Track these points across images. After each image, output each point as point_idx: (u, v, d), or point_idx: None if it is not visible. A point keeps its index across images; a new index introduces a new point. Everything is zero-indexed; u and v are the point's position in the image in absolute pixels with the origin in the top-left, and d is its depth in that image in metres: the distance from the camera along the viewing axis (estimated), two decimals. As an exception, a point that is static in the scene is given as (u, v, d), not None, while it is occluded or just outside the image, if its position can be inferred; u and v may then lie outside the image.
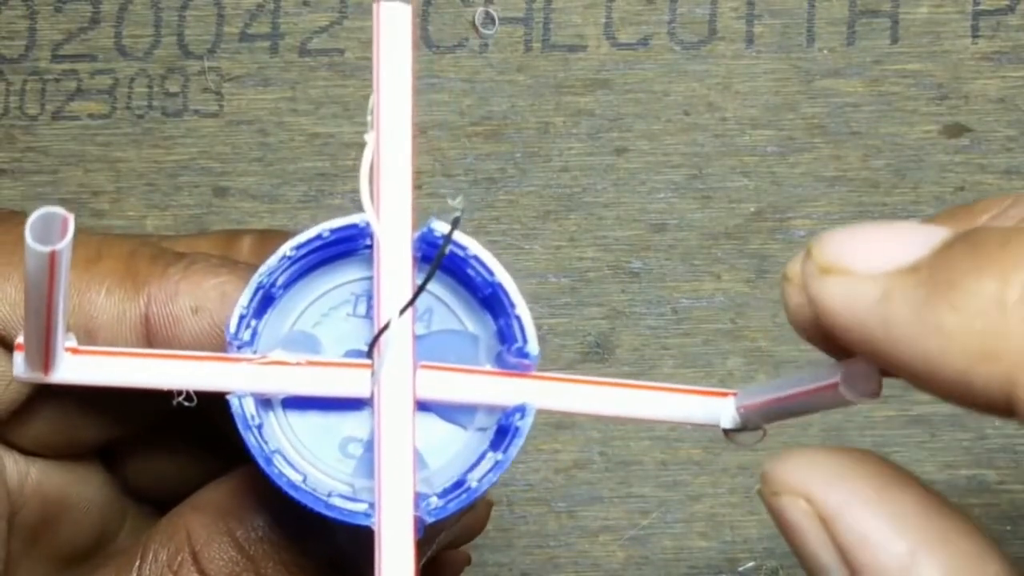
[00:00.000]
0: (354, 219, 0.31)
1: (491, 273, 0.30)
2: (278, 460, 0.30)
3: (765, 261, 0.49)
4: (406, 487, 0.29)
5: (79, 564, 0.37)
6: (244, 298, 0.31)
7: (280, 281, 0.31)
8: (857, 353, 0.27)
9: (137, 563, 0.34)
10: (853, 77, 0.49)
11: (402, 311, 0.29)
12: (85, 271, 0.34)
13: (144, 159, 0.50)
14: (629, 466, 0.48)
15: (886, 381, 0.46)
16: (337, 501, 0.30)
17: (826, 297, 0.26)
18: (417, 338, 0.31)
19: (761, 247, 0.49)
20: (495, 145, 0.49)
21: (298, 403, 0.31)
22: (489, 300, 0.31)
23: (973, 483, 0.48)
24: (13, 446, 0.37)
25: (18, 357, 0.30)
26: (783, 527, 0.27)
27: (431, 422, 0.31)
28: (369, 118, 0.30)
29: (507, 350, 0.30)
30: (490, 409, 0.31)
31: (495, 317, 0.31)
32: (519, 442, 0.30)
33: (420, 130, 0.49)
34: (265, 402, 0.31)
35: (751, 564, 0.48)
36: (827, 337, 0.27)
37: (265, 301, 0.31)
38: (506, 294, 0.30)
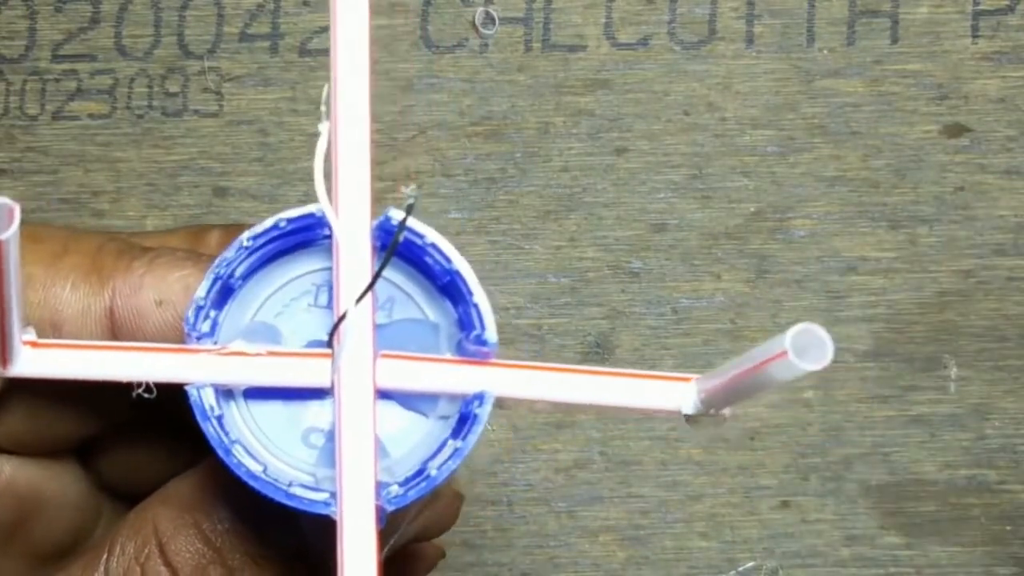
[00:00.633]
0: (311, 208, 0.31)
1: (448, 260, 0.30)
2: (238, 450, 0.30)
3: (765, 261, 0.49)
4: (367, 476, 0.29)
5: (55, 562, 0.37)
6: (202, 289, 0.31)
7: (239, 272, 0.31)
8: None
9: (104, 556, 0.34)
10: (853, 77, 0.49)
11: (359, 300, 0.29)
12: (51, 266, 0.34)
13: (144, 159, 0.50)
14: (629, 466, 0.48)
15: (888, 382, 0.46)
16: (298, 491, 0.30)
17: None
18: (378, 327, 0.31)
19: (761, 247, 0.49)
20: (495, 145, 0.49)
21: (260, 394, 0.31)
22: (448, 288, 0.31)
23: (973, 483, 0.48)
24: None
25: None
26: None
27: (392, 411, 0.31)
28: (323, 108, 0.30)
29: (466, 338, 0.30)
30: (451, 397, 0.31)
31: (455, 305, 0.31)
32: (478, 429, 0.30)
33: (420, 130, 0.50)
34: (226, 393, 0.31)
35: (751, 564, 0.48)
36: None
37: (224, 292, 0.31)
38: (464, 281, 0.30)
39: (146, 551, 0.33)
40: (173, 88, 0.50)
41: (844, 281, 0.49)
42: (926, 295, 0.49)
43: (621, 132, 0.49)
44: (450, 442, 0.30)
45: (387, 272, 0.31)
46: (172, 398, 0.34)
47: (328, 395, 0.31)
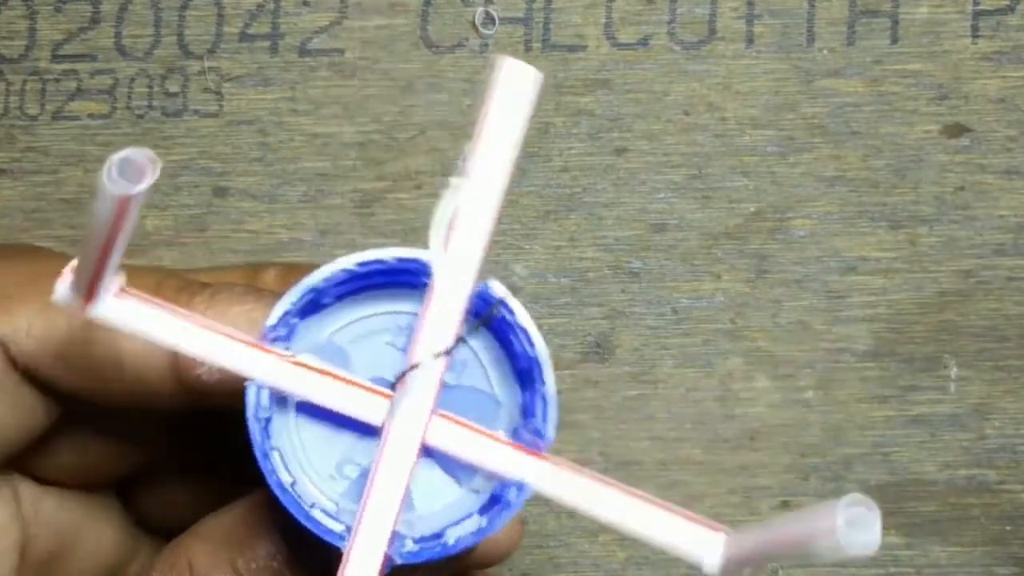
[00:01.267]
0: (421, 255, 0.31)
1: (532, 347, 0.31)
2: (275, 457, 0.30)
3: (765, 261, 0.49)
4: (387, 522, 0.29)
5: None
6: (294, 295, 0.31)
7: (332, 291, 0.31)
8: None
9: None
10: (853, 77, 0.49)
11: (437, 355, 0.29)
12: None
13: (144, 159, 0.50)
14: (629, 466, 0.48)
15: (888, 382, 0.46)
16: (317, 514, 0.30)
17: None
18: (444, 386, 0.31)
19: (761, 247, 0.49)
20: (495, 145, 0.49)
21: (312, 411, 0.31)
22: (522, 372, 0.31)
23: (973, 483, 0.48)
24: (29, 475, 0.37)
25: (63, 284, 0.30)
26: None
27: (430, 468, 0.31)
28: (461, 162, 0.30)
29: (524, 425, 0.31)
30: (490, 475, 0.31)
31: (523, 389, 0.31)
32: (507, 515, 0.30)
33: (420, 130, 0.50)
34: (281, 399, 0.31)
35: (751, 564, 0.48)
36: None
37: (311, 306, 0.31)
38: (540, 371, 0.31)
39: None
40: (173, 88, 0.50)
41: (844, 281, 0.49)
42: (926, 295, 0.49)
43: (621, 132, 0.49)
44: (476, 517, 0.30)
45: (469, 337, 0.31)
46: (214, 433, 0.34)
47: (376, 434, 0.31)
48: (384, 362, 0.32)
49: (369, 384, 0.31)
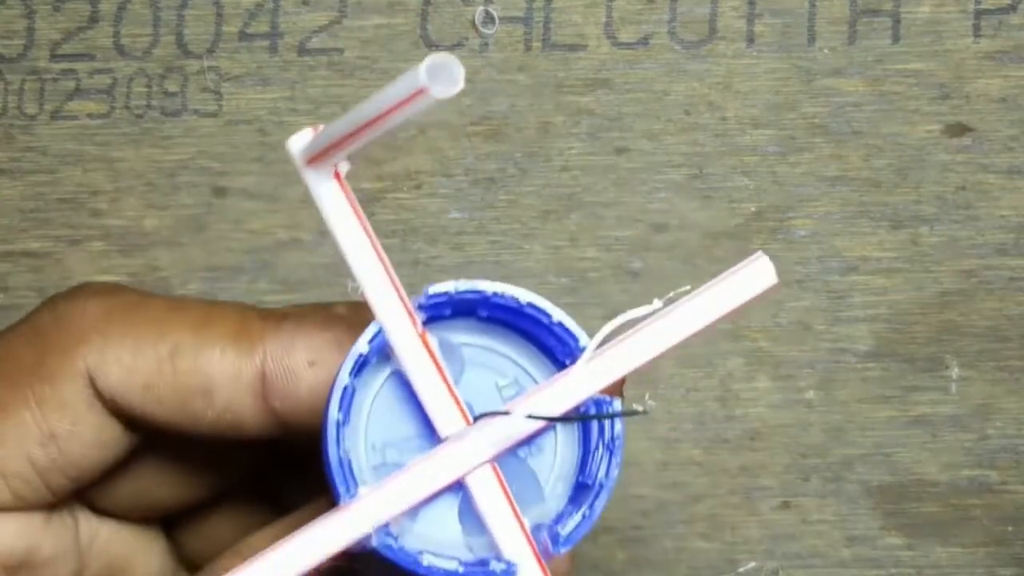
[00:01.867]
0: (567, 321, 0.32)
1: (608, 474, 0.31)
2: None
3: (766, 261, 0.49)
4: (390, 505, 0.31)
5: None
6: (437, 290, 0.31)
7: (456, 306, 0.32)
8: None
9: None
10: (854, 76, 0.49)
11: (530, 417, 0.30)
12: (198, 332, 0.35)
13: (143, 159, 0.50)
14: (629, 466, 0.48)
15: (889, 382, 0.46)
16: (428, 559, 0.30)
17: None
18: (513, 452, 0.32)
19: (762, 247, 0.49)
20: (495, 145, 0.49)
21: (391, 394, 0.32)
22: (581, 487, 0.32)
23: (975, 484, 0.48)
24: (87, 505, 0.38)
25: (303, 136, 0.30)
26: None
27: (450, 504, 0.32)
28: (668, 299, 0.31)
29: (549, 528, 0.31)
30: (493, 546, 0.31)
31: (571, 503, 0.32)
32: None
33: (420, 130, 0.49)
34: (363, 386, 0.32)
35: (751, 564, 0.48)
36: None
37: (436, 309, 0.32)
38: (598, 498, 0.31)
39: None
40: (172, 88, 0.50)
41: (845, 281, 0.48)
42: (927, 295, 0.48)
43: (621, 132, 0.49)
44: (457, 563, 0.31)
45: (563, 427, 0.32)
46: (276, 472, 0.35)
47: (433, 441, 0.31)
48: (479, 393, 0.32)
49: (460, 401, 0.31)
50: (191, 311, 0.35)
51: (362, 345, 0.31)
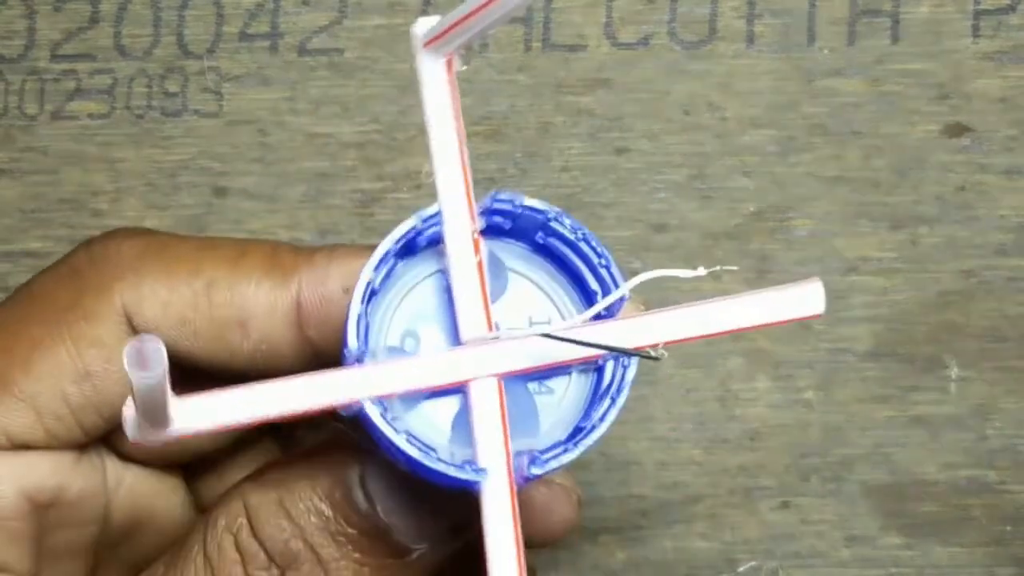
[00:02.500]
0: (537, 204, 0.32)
1: (602, 420, 0.31)
2: (405, 441, 0.30)
3: (766, 261, 0.49)
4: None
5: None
6: (396, 235, 0.31)
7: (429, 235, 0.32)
8: None
9: (204, 527, 0.35)
10: (854, 77, 0.49)
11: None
12: (233, 267, 0.36)
13: (143, 159, 0.50)
14: (629, 466, 0.48)
15: (888, 382, 0.46)
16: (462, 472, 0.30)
17: None
18: (530, 376, 0.32)
19: (762, 247, 0.49)
20: (495, 145, 0.49)
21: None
22: (577, 430, 0.32)
23: (973, 484, 0.48)
24: (113, 450, 0.38)
25: (427, 22, 0.30)
26: None
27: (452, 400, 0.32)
28: None
29: (532, 457, 0.31)
30: (475, 455, 0.31)
31: (566, 442, 0.32)
32: (446, 472, 0.30)
33: (420, 130, 0.49)
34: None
35: (751, 564, 0.48)
36: None
37: (407, 248, 0.32)
38: (586, 436, 0.31)
39: (238, 522, 0.34)
40: (172, 88, 0.50)
41: (845, 281, 0.48)
42: (927, 295, 0.48)
43: (621, 132, 0.49)
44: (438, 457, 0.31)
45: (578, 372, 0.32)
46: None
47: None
48: (510, 319, 0.33)
49: (490, 314, 0.31)
50: (224, 248, 0.36)
51: (405, 227, 0.31)
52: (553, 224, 0.32)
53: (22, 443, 0.35)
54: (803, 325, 0.48)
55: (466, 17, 0.29)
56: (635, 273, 0.30)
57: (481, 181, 0.49)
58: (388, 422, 0.30)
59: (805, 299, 0.31)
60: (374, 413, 0.30)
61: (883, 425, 0.48)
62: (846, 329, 0.48)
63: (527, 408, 0.32)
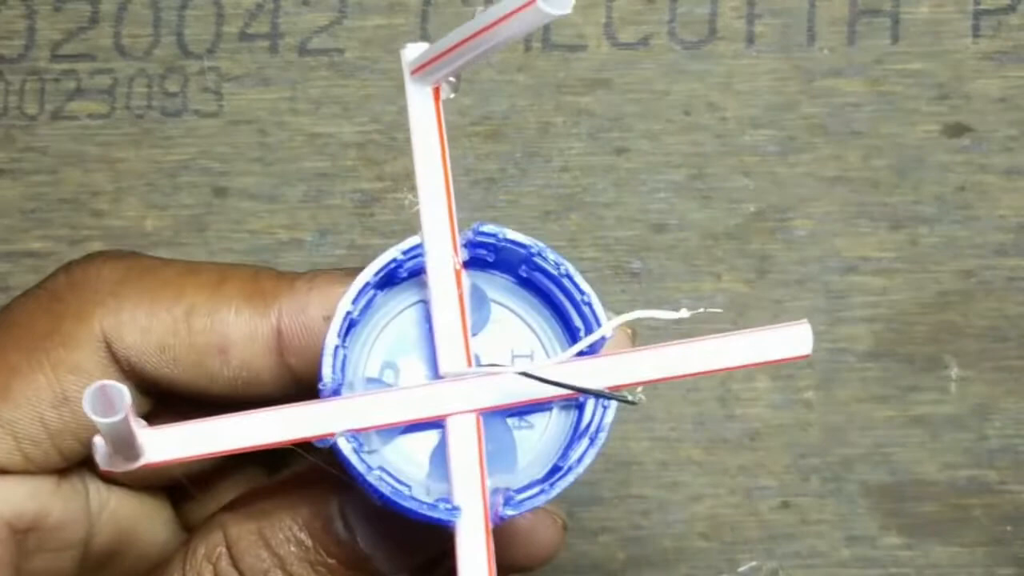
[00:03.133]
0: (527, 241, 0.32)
1: (579, 462, 0.31)
2: (378, 475, 0.30)
3: (765, 261, 0.49)
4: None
5: None
6: (375, 267, 0.31)
7: (408, 267, 0.32)
8: None
9: (184, 556, 0.35)
10: (854, 77, 0.49)
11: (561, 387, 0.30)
12: (213, 293, 0.35)
13: (143, 159, 0.50)
14: (629, 466, 0.48)
15: (888, 382, 0.46)
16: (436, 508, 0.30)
17: None
18: (513, 411, 0.32)
19: (762, 247, 0.49)
20: (495, 145, 0.49)
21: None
22: (555, 469, 0.31)
23: (973, 484, 0.48)
24: (96, 474, 0.38)
25: (416, 48, 0.30)
26: None
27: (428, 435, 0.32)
28: None
29: (507, 497, 0.31)
30: (450, 491, 0.31)
31: (543, 481, 0.31)
32: (419, 512, 0.30)
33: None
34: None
35: (751, 564, 0.48)
36: None
37: (387, 280, 0.32)
38: (562, 477, 0.31)
39: (217, 551, 0.34)
40: (172, 88, 0.50)
41: (845, 281, 0.49)
42: (927, 295, 0.48)
43: (621, 132, 0.49)
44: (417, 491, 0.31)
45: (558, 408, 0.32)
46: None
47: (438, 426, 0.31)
48: (492, 353, 0.32)
49: (470, 348, 0.31)
50: (205, 273, 0.36)
51: (381, 261, 0.31)
52: (536, 259, 0.32)
53: (0, 468, 0.35)
54: (803, 325, 0.48)
55: (453, 47, 0.29)
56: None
57: (482, 181, 0.49)
58: (360, 457, 0.30)
59: (792, 340, 0.31)
60: (346, 448, 0.30)
61: (883, 425, 0.48)
62: (846, 329, 0.48)
63: (505, 443, 0.32)
